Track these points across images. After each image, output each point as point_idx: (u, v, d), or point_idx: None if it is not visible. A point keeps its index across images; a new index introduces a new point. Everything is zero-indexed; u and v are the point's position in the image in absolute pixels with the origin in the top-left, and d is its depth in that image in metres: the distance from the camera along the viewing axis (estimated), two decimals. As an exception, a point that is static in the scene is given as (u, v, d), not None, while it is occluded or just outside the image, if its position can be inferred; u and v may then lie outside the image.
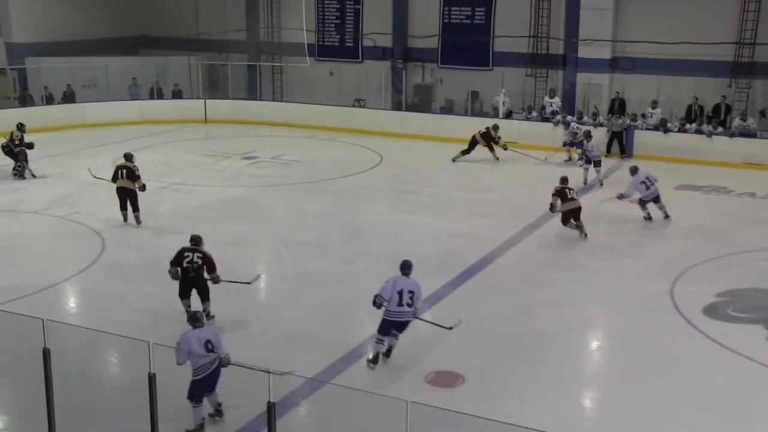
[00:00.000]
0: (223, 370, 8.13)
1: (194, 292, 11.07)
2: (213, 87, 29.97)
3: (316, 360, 9.71)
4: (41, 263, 13.38)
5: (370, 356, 9.85)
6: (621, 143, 22.22)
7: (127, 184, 15.43)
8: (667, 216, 16.00)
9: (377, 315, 11.32)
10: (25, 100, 26.78)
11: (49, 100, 26.76)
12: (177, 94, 28.66)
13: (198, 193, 18.04)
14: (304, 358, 9.84)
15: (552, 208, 14.98)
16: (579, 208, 14.92)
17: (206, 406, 8.21)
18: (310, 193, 18.21)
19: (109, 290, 12.28)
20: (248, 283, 11.60)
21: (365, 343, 10.41)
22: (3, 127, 20.55)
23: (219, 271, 10.89)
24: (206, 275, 10.98)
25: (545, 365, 9.95)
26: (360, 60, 28.68)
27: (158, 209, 16.69)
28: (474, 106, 25.93)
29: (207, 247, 11.07)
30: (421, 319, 10.07)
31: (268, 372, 7.04)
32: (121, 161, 15.77)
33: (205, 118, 27.13)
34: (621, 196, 16.04)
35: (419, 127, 24.08)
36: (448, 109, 26.35)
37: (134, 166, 15.59)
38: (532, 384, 9.45)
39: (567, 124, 22.31)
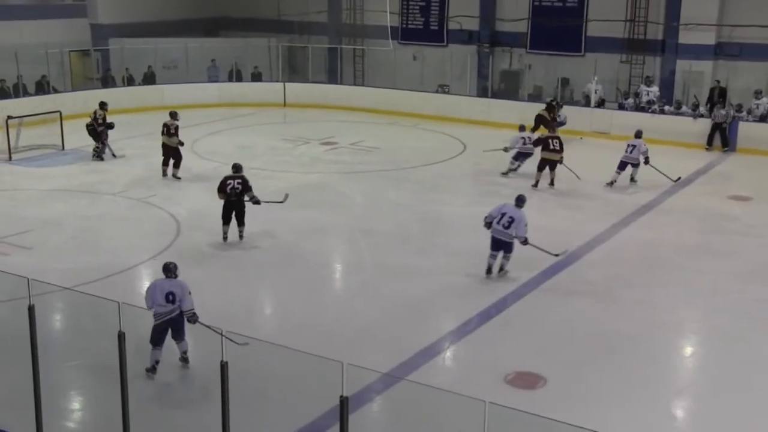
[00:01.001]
0: (294, 360, 8.21)
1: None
2: (293, 70, 30.29)
3: (391, 355, 9.73)
4: (118, 246, 13.78)
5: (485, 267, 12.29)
6: (723, 135, 21.56)
7: (169, 141, 17.83)
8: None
9: (456, 311, 11.34)
10: (107, 81, 27.63)
11: (130, 81, 27.54)
12: (256, 77, 29.08)
13: (274, 178, 18.26)
14: (378, 352, 9.88)
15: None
16: (556, 161, 17.16)
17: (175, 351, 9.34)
18: (389, 182, 18.24)
19: (183, 275, 12.51)
20: (281, 202, 14.16)
21: (442, 340, 10.40)
22: (86, 108, 21.20)
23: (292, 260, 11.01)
24: (246, 198, 13.63)
25: (633, 370, 9.73)
26: (445, 44, 28.54)
27: (234, 194, 16.96)
28: (564, 94, 25.51)
29: (282, 233, 11.23)
30: (529, 244, 12.24)
31: (221, 334, 7.56)
32: (167, 119, 18.04)
33: (284, 102, 27.44)
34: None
35: (505, 115, 23.79)
36: (536, 96, 25.96)
37: (171, 123, 17.91)
38: (618, 390, 9.26)
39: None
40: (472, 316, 11.05)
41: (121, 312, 6.76)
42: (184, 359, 9.47)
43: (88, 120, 19.78)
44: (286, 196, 14.39)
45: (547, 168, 17.38)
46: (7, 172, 18.56)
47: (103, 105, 19.83)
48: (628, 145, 17.61)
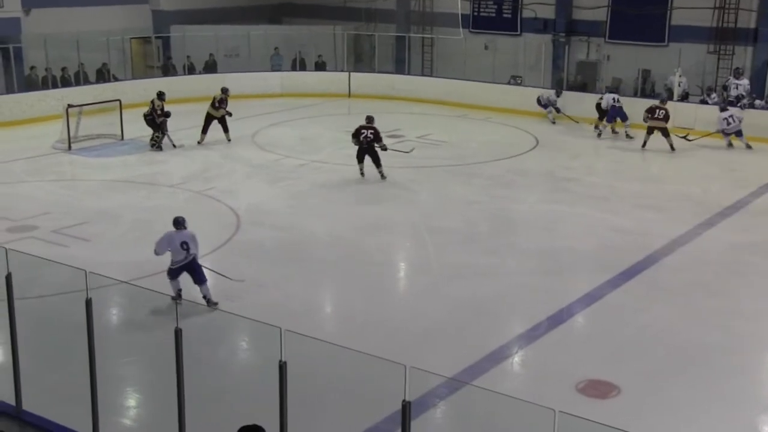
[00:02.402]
0: (355, 361, 8.26)
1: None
2: (358, 59, 30.41)
3: (456, 359, 9.72)
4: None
5: None
6: None
7: (213, 112, 20.54)
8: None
9: (525, 313, 11.29)
10: (167, 70, 28.11)
11: (191, 69, 27.98)
12: (320, 66, 29.26)
13: (338, 171, 18.39)
14: (443, 355, 9.88)
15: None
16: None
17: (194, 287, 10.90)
18: (457, 177, 18.21)
19: (242, 270, 12.74)
20: (407, 152, 17.73)
21: (510, 344, 10.35)
22: (146, 97, 21.67)
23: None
24: (376, 146, 17.34)
25: (714, 383, 9.53)
26: (518, 33, 28.34)
27: (296, 187, 17.18)
28: (645, 87, 25.11)
29: (346, 229, 11.26)
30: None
31: (216, 272, 10.80)
32: (217, 93, 20.67)
33: (349, 92, 27.57)
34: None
35: (581, 108, 23.53)
36: (614, 89, 25.57)
37: (222, 96, 20.56)
38: (697, 403, 9.09)
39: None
40: (543, 319, 10.97)
41: (178, 308, 6.88)
42: (208, 301, 10.95)
43: (146, 110, 20.19)
44: (413, 148, 17.63)
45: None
46: (66, 161, 19.07)
47: (161, 95, 20.24)
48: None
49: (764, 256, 13.59)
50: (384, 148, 17.48)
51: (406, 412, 5.92)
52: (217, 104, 20.68)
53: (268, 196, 16.70)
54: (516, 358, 10.14)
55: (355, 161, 17.70)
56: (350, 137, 17.62)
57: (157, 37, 28.84)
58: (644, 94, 24.64)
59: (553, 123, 23.53)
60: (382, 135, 17.69)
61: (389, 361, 5.99)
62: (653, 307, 11.57)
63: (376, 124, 17.75)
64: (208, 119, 20.72)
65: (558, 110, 23.61)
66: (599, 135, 22.21)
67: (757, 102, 22.10)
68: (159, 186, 17.30)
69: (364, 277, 12.55)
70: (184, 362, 7.10)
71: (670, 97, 23.30)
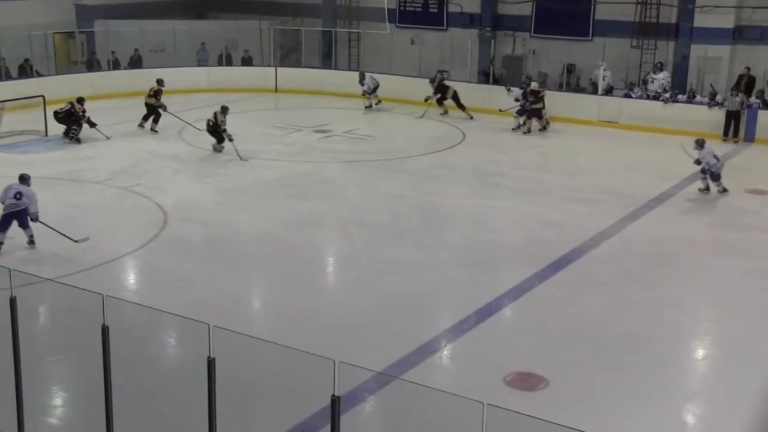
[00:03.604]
0: (284, 357, 8.21)
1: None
2: (285, 54, 30.23)
3: (385, 353, 9.74)
4: (103, 236, 13.76)
5: None
6: (737, 125, 21.40)
7: (147, 100, 21.23)
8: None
9: (453, 307, 11.38)
10: (92, 65, 27.54)
11: (116, 65, 27.45)
12: (247, 61, 29.03)
13: (265, 167, 18.27)
14: (372, 350, 9.89)
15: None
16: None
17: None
18: (385, 172, 18.24)
19: (169, 267, 12.58)
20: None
21: (440, 337, 10.41)
22: (71, 93, 21.20)
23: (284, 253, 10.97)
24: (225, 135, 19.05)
25: (642, 373, 9.70)
26: (445, 27, 28.52)
27: (224, 183, 17.02)
28: (570, 81, 25.51)
29: (274, 225, 11.20)
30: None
31: (56, 230, 12.10)
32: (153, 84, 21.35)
33: (276, 88, 27.40)
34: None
35: (507, 102, 23.79)
36: (540, 83, 25.94)
37: (158, 88, 21.32)
38: (625, 393, 9.24)
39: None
40: (471, 313, 11.05)
41: (105, 305, 6.76)
42: (32, 242, 13.01)
43: (60, 108, 20.08)
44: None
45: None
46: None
47: (81, 100, 20.23)
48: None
49: (689, 246, 13.93)
50: (230, 139, 18.85)
51: (336, 407, 5.91)
52: (152, 93, 21.34)
53: (196, 192, 16.49)
54: (444, 352, 10.20)
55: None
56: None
57: (80, 32, 28.26)
58: (570, 88, 25.01)
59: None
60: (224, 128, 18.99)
61: (318, 356, 5.97)
62: (581, 299, 11.76)
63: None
64: (149, 108, 21.34)
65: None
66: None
67: (680, 96, 22.61)
68: (85, 182, 16.95)
69: (293, 273, 12.49)
70: (112, 360, 6.98)
71: (595, 91, 23.75)
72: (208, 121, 19.31)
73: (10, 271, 7.20)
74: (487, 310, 11.20)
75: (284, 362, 8.28)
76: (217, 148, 19.37)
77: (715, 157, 16.47)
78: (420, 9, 28.95)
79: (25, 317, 7.60)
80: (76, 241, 13.11)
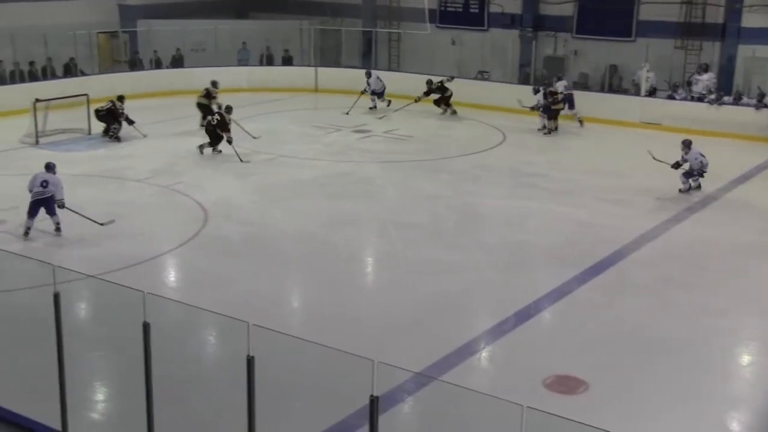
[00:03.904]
0: (323, 357, 8.25)
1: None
2: (325, 54, 30.32)
3: (423, 354, 9.72)
4: (144, 234, 13.93)
5: None
6: None
7: (202, 101, 21.09)
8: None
9: (492, 309, 11.34)
10: (134, 64, 27.89)
11: (158, 64, 27.78)
12: (287, 61, 29.17)
13: (305, 166, 18.35)
14: (411, 350, 9.88)
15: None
16: None
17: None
18: (424, 173, 18.22)
19: (209, 265, 12.68)
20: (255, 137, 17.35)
21: (478, 339, 10.38)
22: (113, 91, 21.48)
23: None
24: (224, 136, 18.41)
25: (683, 378, 9.58)
26: (485, 28, 28.42)
27: (263, 182, 17.11)
28: (612, 82, 25.29)
29: (312, 225, 11.24)
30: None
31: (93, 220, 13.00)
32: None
33: (316, 87, 27.49)
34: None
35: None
36: (582, 84, 25.80)
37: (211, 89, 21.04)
38: (666, 398, 9.14)
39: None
40: (509, 315, 11.01)
41: (146, 302, 6.83)
42: (58, 229, 13.55)
43: (102, 106, 20.33)
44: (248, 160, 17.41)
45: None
46: (34, 156, 18.78)
47: (121, 98, 20.45)
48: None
49: (731, 250, 13.72)
50: (229, 140, 18.54)
51: (374, 407, 5.92)
52: (204, 94, 21.33)
53: (236, 190, 16.62)
54: (483, 354, 10.17)
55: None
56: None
57: (123, 32, 28.60)
58: (612, 90, 24.80)
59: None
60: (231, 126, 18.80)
61: (357, 356, 5.98)
62: (621, 302, 11.65)
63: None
64: (202, 109, 21.14)
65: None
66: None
67: (726, 98, 22.27)
68: (126, 180, 17.16)
69: (330, 272, 12.53)
70: (153, 357, 7.06)
71: (638, 92, 23.54)
72: (210, 120, 19.08)
73: (53, 267, 7.32)
74: (525, 312, 11.15)
75: (322, 361, 8.31)
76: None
77: (701, 155, 16.42)
78: (461, 9, 28.88)
79: (67, 313, 7.72)
80: (102, 224, 13.68)
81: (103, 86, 23.44)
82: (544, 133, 22.00)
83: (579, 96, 23.60)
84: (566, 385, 9.25)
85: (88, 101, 20.78)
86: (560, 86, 23.01)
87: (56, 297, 7.38)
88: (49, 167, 13.78)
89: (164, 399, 7.41)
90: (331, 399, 8.64)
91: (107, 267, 11.81)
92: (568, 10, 26.68)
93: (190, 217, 14.68)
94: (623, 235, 14.07)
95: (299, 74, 27.75)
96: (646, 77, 23.42)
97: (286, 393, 8.70)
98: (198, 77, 25.73)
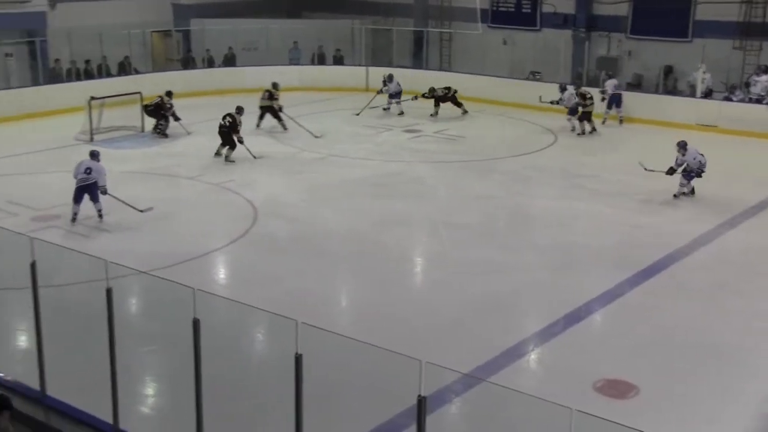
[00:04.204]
0: (371, 356, 8.24)
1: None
2: (376, 53, 30.36)
3: (472, 355, 9.69)
4: (194, 231, 14.09)
5: None
6: None
7: (266, 103, 21.48)
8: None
9: (542, 310, 11.26)
10: (187, 63, 28.23)
11: (210, 63, 28.08)
12: (338, 60, 29.27)
13: (355, 166, 18.40)
14: (459, 351, 9.85)
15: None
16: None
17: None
18: (475, 173, 18.16)
19: (259, 263, 12.77)
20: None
21: (527, 341, 10.32)
22: (165, 90, 21.80)
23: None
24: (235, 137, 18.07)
25: (734, 384, 9.43)
26: (538, 28, 28.22)
27: (313, 181, 17.19)
28: (667, 83, 24.94)
29: (362, 224, 11.26)
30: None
31: (131, 206, 14.23)
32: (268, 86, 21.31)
33: (367, 86, 27.52)
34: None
35: (601, 105, 23.42)
36: (635, 85, 25.47)
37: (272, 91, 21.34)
38: (717, 404, 9.01)
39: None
40: (559, 317, 10.92)
41: (196, 299, 6.90)
42: (100, 216, 14.19)
43: (152, 102, 20.61)
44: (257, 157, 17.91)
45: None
46: (88, 153, 19.12)
47: (169, 94, 20.74)
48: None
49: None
50: (240, 140, 18.28)
51: (422, 407, 5.91)
52: (266, 95, 21.50)
53: (286, 189, 16.72)
54: (532, 356, 10.11)
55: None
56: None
57: (177, 31, 28.96)
58: (666, 91, 24.45)
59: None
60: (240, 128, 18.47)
61: (405, 356, 5.97)
62: (673, 306, 11.48)
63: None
64: (265, 111, 21.50)
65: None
66: (603, 122, 22.73)
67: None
68: (178, 177, 17.36)
69: (380, 272, 12.54)
70: (202, 353, 7.12)
71: (693, 94, 23.18)
72: (224, 123, 18.45)
73: (106, 262, 7.42)
74: (576, 314, 11.05)
75: (370, 361, 8.31)
76: (228, 156, 18.38)
77: (699, 154, 16.04)
78: (513, 9, 28.70)
79: (119, 308, 7.83)
80: (141, 211, 14.25)
81: (156, 84, 23.76)
82: (578, 134, 21.78)
83: (632, 97, 23.35)
84: (617, 389, 9.15)
85: (142, 99, 21.09)
86: (610, 85, 22.83)
87: (109, 292, 7.48)
88: (93, 155, 14.37)
89: (213, 395, 7.48)
90: (379, 398, 8.64)
91: (159, 263, 11.94)
92: (623, 9, 26.35)
93: (240, 215, 14.80)
94: (676, 239, 13.87)
95: (350, 74, 27.83)
96: (702, 78, 23.01)
97: (333, 391, 8.73)
98: (250, 76, 26.02)
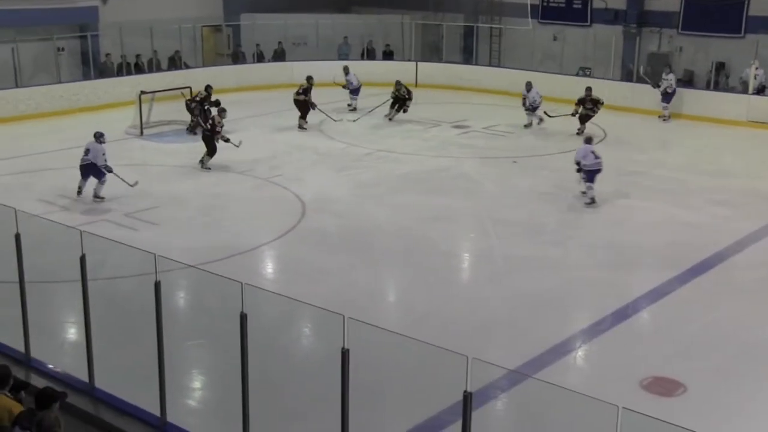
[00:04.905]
0: (416, 351, 8.23)
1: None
2: (426, 49, 30.30)
3: (518, 351, 9.65)
4: (242, 225, 14.21)
5: None
6: None
7: (299, 98, 21.08)
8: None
9: (589, 307, 11.17)
10: (237, 57, 28.43)
11: (260, 57, 28.24)
12: (388, 55, 29.25)
13: (403, 161, 18.39)
14: (505, 347, 9.83)
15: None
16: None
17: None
18: (523, 169, 18.06)
19: (306, 258, 12.83)
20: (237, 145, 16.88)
21: (574, 337, 10.24)
22: (215, 85, 21.98)
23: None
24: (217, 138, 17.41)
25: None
26: (588, 24, 27.93)
27: (361, 176, 17.23)
28: (718, 80, 24.54)
29: (409, 219, 11.23)
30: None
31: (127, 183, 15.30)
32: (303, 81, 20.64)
33: (416, 82, 27.49)
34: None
35: (651, 101, 23.13)
36: (686, 82, 25.11)
37: (307, 85, 21.14)
38: (766, 403, 8.88)
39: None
40: (607, 314, 10.83)
41: (243, 293, 6.95)
42: (97, 198, 15.11)
43: (193, 98, 20.57)
44: (240, 141, 17.79)
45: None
46: (138, 147, 19.42)
47: (208, 88, 20.62)
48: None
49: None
50: (223, 139, 17.63)
51: (468, 403, 5.90)
52: (301, 91, 21.22)
53: (334, 184, 16.78)
54: (579, 353, 10.04)
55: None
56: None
57: (227, 26, 29.19)
58: (718, 87, 24.06)
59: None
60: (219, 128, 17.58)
61: (451, 351, 5.97)
62: (722, 305, 11.33)
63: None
64: (298, 105, 21.29)
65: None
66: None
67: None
68: (227, 172, 17.50)
69: (426, 267, 12.53)
70: (249, 347, 7.18)
71: (745, 90, 22.79)
72: (205, 128, 18.07)
73: (155, 256, 7.51)
74: (623, 311, 10.95)
75: (416, 356, 8.32)
76: (205, 162, 17.64)
77: (593, 154, 15.35)
78: (563, 5, 28.43)
79: (168, 302, 7.92)
80: (131, 185, 15.30)
81: (206, 79, 23.94)
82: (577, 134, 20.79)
83: (683, 93, 23.00)
84: (664, 386, 9.05)
85: (191, 93, 21.27)
86: (670, 79, 22.37)
87: (157, 286, 7.58)
88: (95, 136, 15.20)
89: (259, 388, 7.54)
90: (425, 394, 8.64)
91: (207, 257, 12.07)
92: (674, 5, 25.95)
93: (288, 210, 14.89)
94: (727, 237, 13.67)
95: (399, 69, 27.75)
96: (754, 75, 22.64)
97: (379, 386, 8.75)
98: (298, 71, 26.10)
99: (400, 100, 22.48)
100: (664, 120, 22.68)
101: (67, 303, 10.85)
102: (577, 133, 20.80)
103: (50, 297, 10.95)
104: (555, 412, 7.89)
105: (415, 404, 8.64)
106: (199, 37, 28.03)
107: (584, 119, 21.08)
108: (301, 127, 21.23)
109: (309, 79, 21.61)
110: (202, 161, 17.60)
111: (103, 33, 25.53)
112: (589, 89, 21.20)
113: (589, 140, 16.07)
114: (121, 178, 15.22)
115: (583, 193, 15.61)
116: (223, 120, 17.90)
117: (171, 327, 8.06)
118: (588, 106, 21.10)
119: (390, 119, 22.45)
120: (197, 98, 20.31)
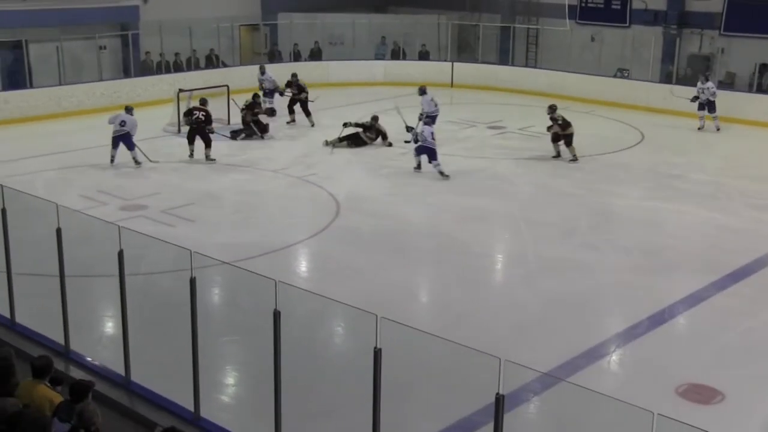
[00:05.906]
0: (449, 351, 8.22)
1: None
2: (462, 49, 30.23)
3: (551, 354, 9.59)
4: (277, 223, 14.28)
5: None
6: None
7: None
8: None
9: (624, 311, 11.07)
10: (274, 56, 28.57)
11: (297, 56, 28.36)
12: (423, 56, 29.23)
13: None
14: (538, 350, 9.77)
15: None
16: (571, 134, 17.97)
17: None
18: (558, 170, 17.95)
19: (340, 257, 12.85)
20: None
21: (608, 342, 10.15)
22: (253, 83, 22.11)
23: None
24: (207, 128, 17.98)
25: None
26: (627, 24, 27.68)
27: (395, 175, 17.24)
28: (761, 82, 24.19)
29: (444, 219, 11.23)
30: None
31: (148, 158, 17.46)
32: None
33: (452, 82, 27.46)
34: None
35: (690, 104, 22.87)
36: (728, 84, 24.79)
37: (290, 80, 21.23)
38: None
39: None
40: (643, 318, 10.72)
41: (277, 290, 6.97)
42: (135, 161, 17.16)
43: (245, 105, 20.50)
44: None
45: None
46: (176, 144, 19.55)
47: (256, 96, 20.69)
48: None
49: None
50: (211, 131, 18.20)
51: (500, 405, 5.87)
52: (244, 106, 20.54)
53: (369, 183, 16.80)
54: (613, 357, 9.94)
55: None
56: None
57: (265, 25, 29.35)
58: (760, 90, 23.73)
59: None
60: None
61: (484, 353, 5.94)
62: (761, 312, 11.16)
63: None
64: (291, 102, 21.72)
65: None
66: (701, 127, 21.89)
67: None
68: (262, 170, 17.60)
69: (460, 268, 12.50)
70: (282, 344, 7.20)
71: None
72: (199, 117, 18.12)
73: (191, 252, 7.56)
74: (659, 316, 10.83)
75: (449, 357, 8.30)
76: (209, 155, 17.94)
77: (433, 102, 16.49)
78: (602, 5, 28.20)
79: (202, 298, 7.97)
80: (153, 162, 17.26)
81: (243, 77, 24.16)
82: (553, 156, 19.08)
83: (725, 96, 22.67)
84: (701, 394, 8.93)
85: (228, 92, 21.42)
86: (710, 87, 21.77)
87: (193, 282, 7.63)
88: (127, 109, 17.24)
89: (291, 385, 7.56)
90: (457, 395, 8.62)
91: (241, 254, 12.13)
92: (716, 6, 25.63)
93: (323, 208, 14.93)
94: (765, 243, 13.46)
95: (435, 69, 27.78)
96: (798, 77, 22.30)
97: (411, 386, 8.74)
98: (334, 70, 26.21)
99: (358, 137, 19.75)
100: (717, 129, 21.71)
101: (105, 297, 10.97)
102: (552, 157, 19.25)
103: (89, 291, 11.08)
104: (588, 417, 7.82)
105: (446, 405, 8.62)
106: (236, 36, 28.21)
107: (556, 138, 19.14)
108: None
109: (293, 75, 21.89)
110: (207, 156, 17.95)
111: (144, 32, 25.80)
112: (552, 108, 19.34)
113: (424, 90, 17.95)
114: (143, 153, 17.14)
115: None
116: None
117: (205, 323, 8.12)
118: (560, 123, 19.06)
119: (331, 147, 19.42)
120: (245, 105, 20.42)
